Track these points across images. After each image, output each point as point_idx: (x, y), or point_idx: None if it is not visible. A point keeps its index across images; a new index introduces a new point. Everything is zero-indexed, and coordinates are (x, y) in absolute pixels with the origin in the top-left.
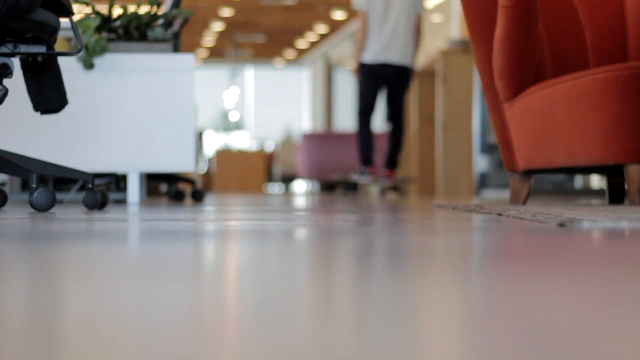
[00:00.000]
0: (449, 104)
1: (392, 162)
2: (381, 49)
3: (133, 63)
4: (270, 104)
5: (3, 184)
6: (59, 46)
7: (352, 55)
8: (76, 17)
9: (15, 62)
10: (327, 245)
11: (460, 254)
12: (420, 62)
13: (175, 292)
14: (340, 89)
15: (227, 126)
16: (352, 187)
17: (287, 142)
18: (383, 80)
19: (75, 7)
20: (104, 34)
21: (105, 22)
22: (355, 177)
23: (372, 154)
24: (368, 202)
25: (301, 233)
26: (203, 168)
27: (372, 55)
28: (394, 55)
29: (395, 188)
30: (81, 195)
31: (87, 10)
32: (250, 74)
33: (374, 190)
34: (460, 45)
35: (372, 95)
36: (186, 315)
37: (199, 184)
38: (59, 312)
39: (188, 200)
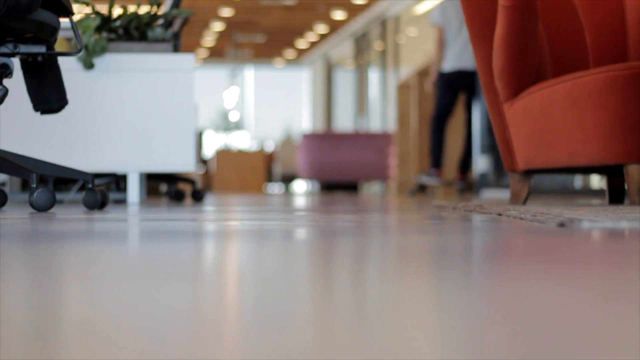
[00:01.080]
0: None
1: (465, 165)
2: (457, 56)
3: (133, 63)
4: (270, 104)
5: (3, 184)
6: (59, 46)
7: (430, 69)
8: (76, 17)
9: (15, 62)
10: (326, 245)
11: (460, 254)
12: (420, 62)
13: (175, 292)
14: (340, 89)
15: (227, 126)
16: (421, 189)
17: (287, 142)
18: (460, 87)
19: (75, 7)
20: (104, 34)
21: (105, 22)
22: (423, 179)
23: (442, 158)
24: (372, 202)
25: (301, 233)
26: (201, 169)
27: (450, 62)
28: (471, 62)
29: (469, 189)
30: (81, 195)
31: (87, 10)
32: (250, 74)
33: (440, 191)
34: None
35: (448, 102)
36: (186, 315)
37: (199, 184)
38: (59, 312)
39: (188, 200)
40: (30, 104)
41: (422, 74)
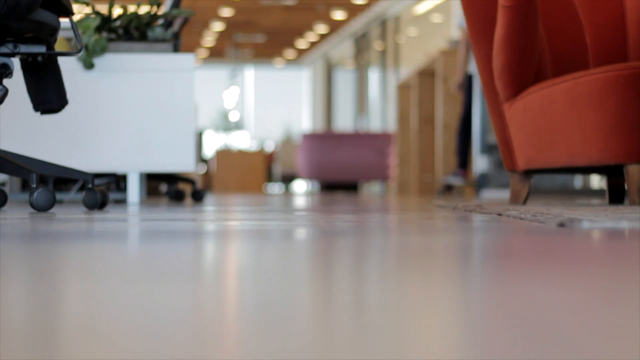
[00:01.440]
0: (449, 104)
1: None
2: None
3: (133, 63)
4: (270, 104)
5: (3, 184)
6: (59, 46)
7: (457, 71)
8: (76, 17)
9: (15, 62)
10: (326, 245)
11: (460, 254)
12: (420, 62)
13: (175, 292)
14: (340, 89)
15: (227, 126)
16: (447, 189)
17: (287, 142)
18: None
19: (75, 7)
20: (104, 34)
21: (105, 22)
22: (449, 180)
23: (468, 159)
24: (373, 202)
25: (301, 233)
26: (202, 169)
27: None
28: None
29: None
30: (81, 195)
31: (87, 10)
32: (250, 74)
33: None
34: None
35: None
36: (186, 315)
37: (199, 184)
38: (59, 312)
39: (188, 200)
40: (30, 104)
41: (422, 74)
